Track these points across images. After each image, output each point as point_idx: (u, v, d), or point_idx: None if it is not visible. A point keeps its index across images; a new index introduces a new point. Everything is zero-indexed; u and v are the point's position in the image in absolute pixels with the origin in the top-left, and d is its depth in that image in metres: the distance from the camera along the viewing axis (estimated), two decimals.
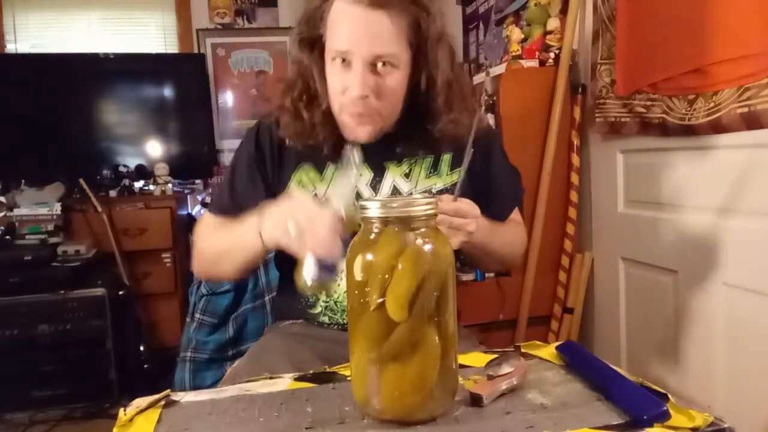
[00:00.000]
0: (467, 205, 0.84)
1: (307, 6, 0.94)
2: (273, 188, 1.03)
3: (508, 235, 1.06)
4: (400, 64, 0.90)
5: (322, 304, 1.01)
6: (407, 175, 1.01)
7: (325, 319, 1.01)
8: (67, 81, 2.76)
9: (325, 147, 0.97)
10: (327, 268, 0.75)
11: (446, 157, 1.02)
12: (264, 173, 1.03)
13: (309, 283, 0.76)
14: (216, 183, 3.03)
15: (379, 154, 0.99)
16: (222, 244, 0.99)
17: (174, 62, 3.08)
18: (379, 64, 0.88)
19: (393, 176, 1.01)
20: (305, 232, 0.75)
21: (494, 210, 1.05)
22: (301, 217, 0.77)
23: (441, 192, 1.00)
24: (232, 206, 1.03)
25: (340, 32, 0.88)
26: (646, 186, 1.58)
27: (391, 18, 0.86)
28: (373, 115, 0.92)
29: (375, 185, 1.00)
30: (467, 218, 0.84)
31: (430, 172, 1.02)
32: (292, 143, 0.99)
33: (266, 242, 0.84)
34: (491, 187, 1.06)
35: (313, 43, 0.94)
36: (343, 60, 0.88)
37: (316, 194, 0.99)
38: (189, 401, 0.69)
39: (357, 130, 0.94)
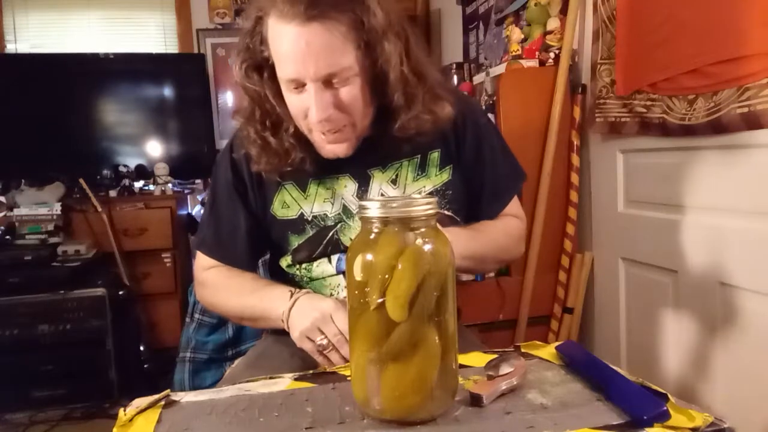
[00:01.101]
0: None
1: (242, 30, 0.89)
2: (257, 213, 1.00)
3: (496, 234, 1.01)
4: (355, 72, 0.84)
5: None
6: (394, 181, 0.97)
7: None
8: (67, 81, 2.77)
9: (305, 166, 0.92)
10: None
11: (434, 156, 0.98)
12: (246, 200, 1.00)
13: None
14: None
15: (361, 162, 0.95)
16: (242, 309, 0.97)
17: (174, 62, 3.08)
18: (334, 80, 0.82)
19: (379, 183, 0.97)
20: (333, 351, 0.80)
21: (485, 209, 1.03)
22: (331, 333, 0.80)
23: (431, 194, 0.97)
24: (218, 246, 1.02)
25: (283, 58, 0.82)
26: (646, 186, 1.58)
27: (328, 28, 0.79)
28: (345, 128, 0.87)
29: (361, 195, 0.96)
30: None
31: (418, 174, 0.97)
32: (272, 177, 0.95)
33: (292, 338, 0.85)
34: (482, 184, 1.01)
35: (261, 67, 0.89)
36: (295, 86, 0.84)
37: (302, 213, 0.97)
38: (189, 401, 0.69)
39: (332, 148, 0.89)
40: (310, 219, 0.97)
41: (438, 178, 0.98)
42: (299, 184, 0.98)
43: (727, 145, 1.28)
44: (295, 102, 0.86)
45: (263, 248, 1.07)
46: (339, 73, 0.82)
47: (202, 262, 1.04)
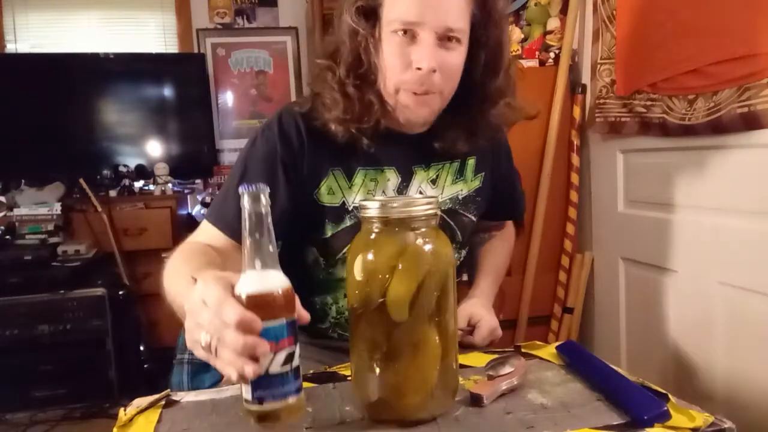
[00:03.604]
0: (486, 331, 0.95)
1: None
2: (297, 195, 0.91)
3: (505, 249, 1.17)
4: (465, 39, 0.85)
5: (331, 320, 0.98)
6: (434, 181, 0.97)
7: (334, 335, 0.98)
8: (67, 81, 2.76)
9: (379, 128, 0.89)
10: (267, 386, 0.54)
11: (470, 162, 1.01)
12: (290, 175, 0.90)
13: (249, 409, 0.56)
14: (216, 183, 3.03)
15: (408, 157, 0.95)
16: (169, 287, 0.77)
17: (174, 62, 3.07)
18: (448, 40, 0.83)
19: (420, 182, 0.97)
20: (220, 345, 0.53)
21: (509, 213, 1.16)
22: (210, 328, 0.54)
23: (466, 198, 1.00)
24: (225, 215, 0.88)
25: (407, 1, 0.81)
26: (646, 186, 1.58)
27: None
28: (434, 95, 0.86)
29: (402, 190, 0.96)
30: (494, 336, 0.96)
31: (456, 178, 0.99)
32: (338, 131, 0.87)
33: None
34: (510, 190, 1.11)
35: (368, 13, 0.86)
36: (405, 32, 0.82)
37: (344, 202, 0.92)
38: (189, 401, 0.69)
39: (416, 110, 0.87)
40: (350, 209, 0.93)
41: (473, 183, 1.01)
42: (347, 173, 0.93)
43: (727, 145, 1.27)
44: (396, 52, 0.83)
45: (283, 232, 0.90)
46: (456, 32, 0.83)
47: (200, 229, 0.92)
